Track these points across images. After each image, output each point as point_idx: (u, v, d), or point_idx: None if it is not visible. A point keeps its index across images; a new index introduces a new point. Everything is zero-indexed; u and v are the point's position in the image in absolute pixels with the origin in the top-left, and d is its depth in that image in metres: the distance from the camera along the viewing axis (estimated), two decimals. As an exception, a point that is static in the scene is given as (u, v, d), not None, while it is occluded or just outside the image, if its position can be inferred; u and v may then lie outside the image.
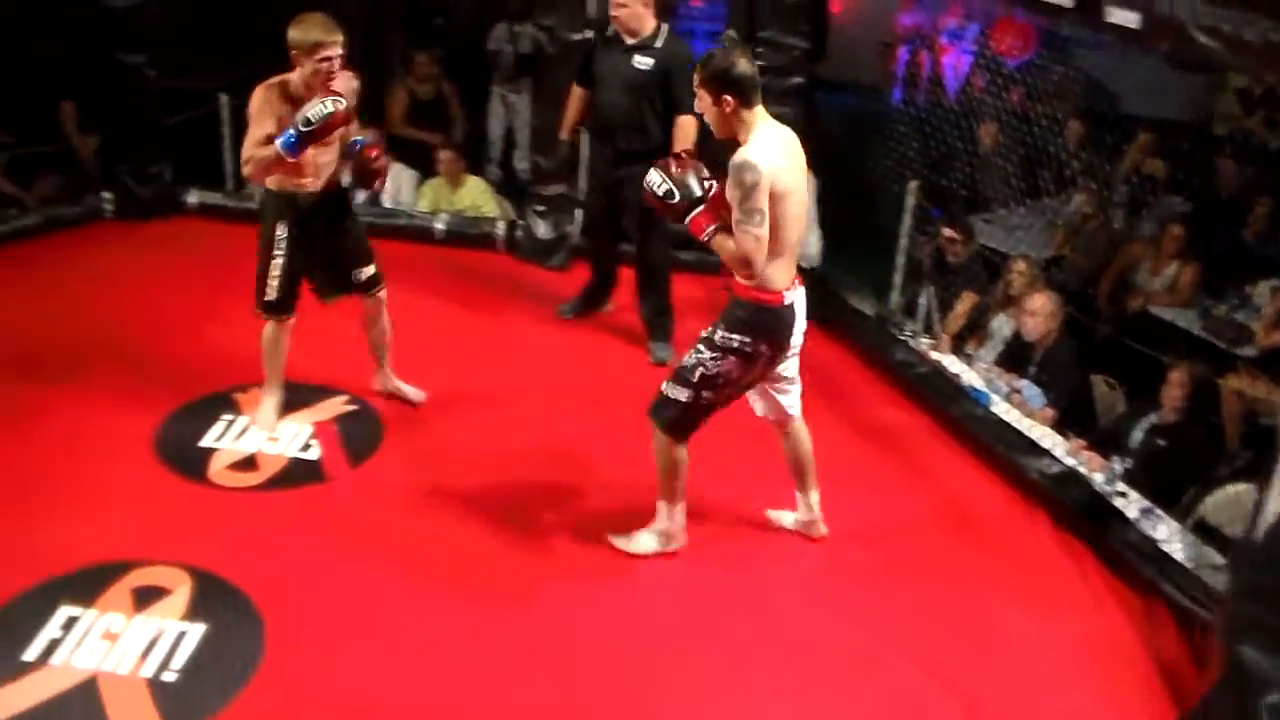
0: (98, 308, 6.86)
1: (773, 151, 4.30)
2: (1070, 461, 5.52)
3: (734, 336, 4.53)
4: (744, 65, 4.32)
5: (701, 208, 4.50)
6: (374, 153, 5.47)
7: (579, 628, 4.57)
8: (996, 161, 7.47)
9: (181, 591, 4.55)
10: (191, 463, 5.45)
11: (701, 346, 4.59)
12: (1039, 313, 6.19)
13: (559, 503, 5.20)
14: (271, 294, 5.47)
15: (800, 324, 4.62)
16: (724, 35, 7.27)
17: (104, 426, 5.69)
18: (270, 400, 5.76)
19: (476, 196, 8.36)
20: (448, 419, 5.88)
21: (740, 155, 4.28)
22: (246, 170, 5.18)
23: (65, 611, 4.41)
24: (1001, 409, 5.96)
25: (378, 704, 4.16)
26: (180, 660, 4.23)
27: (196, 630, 4.36)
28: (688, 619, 4.67)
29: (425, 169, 8.71)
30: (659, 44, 6.29)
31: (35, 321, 6.69)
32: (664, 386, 4.69)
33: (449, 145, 8.59)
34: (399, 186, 8.51)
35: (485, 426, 5.83)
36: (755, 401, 4.91)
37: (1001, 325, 6.57)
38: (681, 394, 4.63)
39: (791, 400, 4.90)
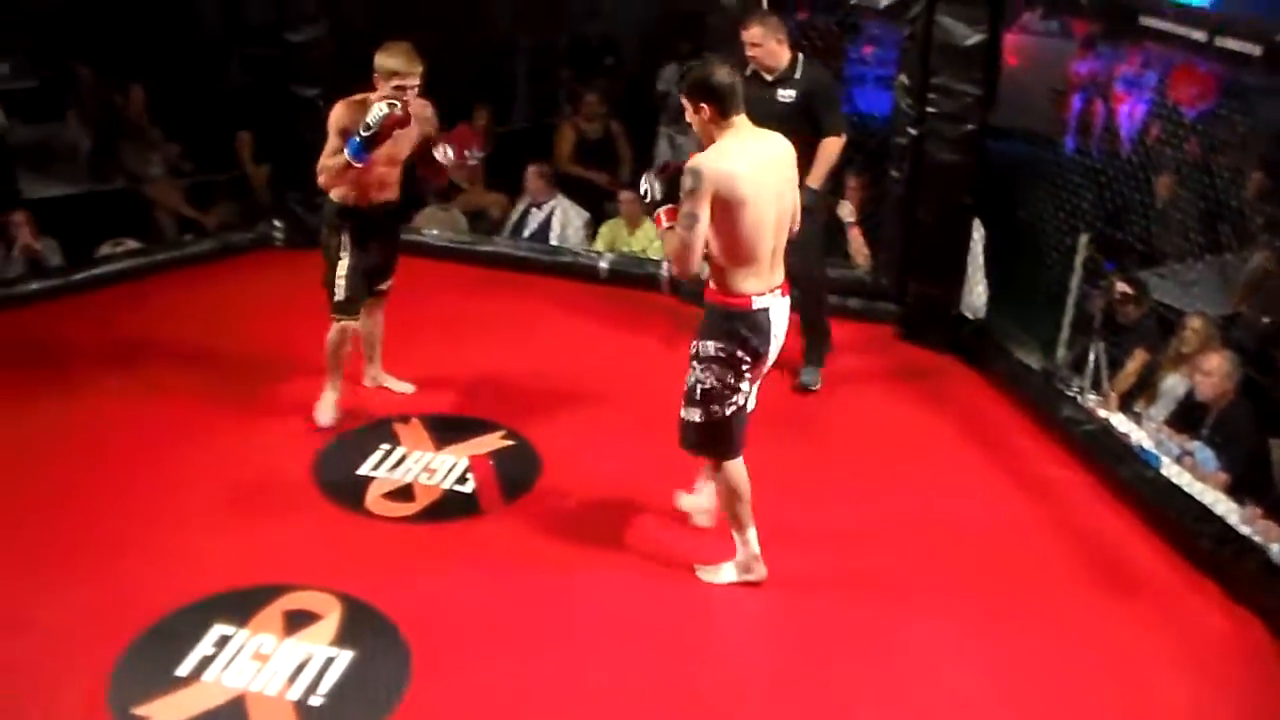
0: (264, 332, 6.99)
1: (728, 158, 4.34)
2: (1245, 529, 5.26)
3: (710, 344, 4.58)
4: (722, 75, 4.40)
5: (663, 208, 4.60)
6: (447, 146, 5.67)
7: (736, 677, 4.50)
8: (1174, 214, 7.25)
9: (332, 617, 4.59)
10: (349, 490, 5.51)
11: (693, 363, 4.65)
12: (1214, 373, 5.96)
13: (715, 548, 5.12)
14: (340, 293, 5.78)
15: (776, 332, 4.62)
16: (897, 82, 7.21)
17: (265, 450, 5.79)
18: (330, 396, 6.03)
19: (652, 239, 8.37)
20: (605, 458, 5.86)
21: (690, 161, 4.37)
22: (321, 179, 5.59)
23: (218, 630, 4.48)
24: (1172, 471, 5.73)
25: (520, 741, 4.14)
26: (327, 685, 4.25)
27: (345, 656, 4.39)
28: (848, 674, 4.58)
29: (594, 208, 8.76)
30: (798, 74, 6.36)
31: (205, 344, 6.87)
32: (681, 412, 4.74)
33: (628, 187, 8.63)
34: (565, 223, 8.56)
35: (642, 467, 5.79)
36: None
37: (1174, 384, 6.33)
38: (695, 414, 4.68)
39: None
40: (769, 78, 6.35)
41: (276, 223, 8.56)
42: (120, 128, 9.41)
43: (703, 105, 4.41)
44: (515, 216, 8.78)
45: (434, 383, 6.37)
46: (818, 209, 6.46)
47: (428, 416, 6.12)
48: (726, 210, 4.33)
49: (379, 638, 4.51)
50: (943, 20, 6.81)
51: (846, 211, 7.65)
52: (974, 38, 6.74)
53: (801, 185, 6.14)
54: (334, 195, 5.72)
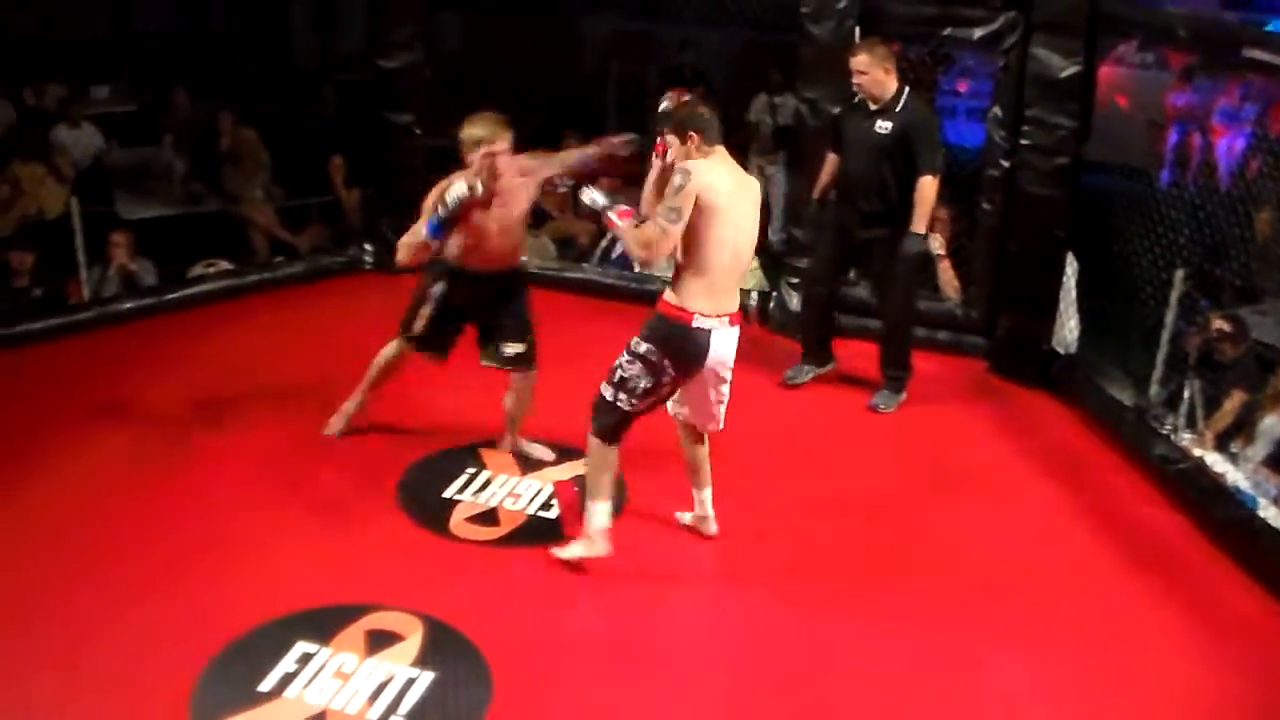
0: (352, 355, 7.00)
1: (712, 171, 4.72)
2: (1345, 574, 5.13)
3: (644, 344, 4.86)
4: (704, 110, 4.83)
5: (616, 209, 4.94)
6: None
7: (819, 708, 4.43)
8: (1275, 250, 7.11)
9: (414, 638, 4.58)
10: (433, 513, 5.52)
11: (625, 351, 4.91)
12: (1315, 415, 5.84)
13: (801, 575, 5.08)
14: (419, 329, 5.79)
15: (716, 356, 4.87)
16: (990, 114, 7.16)
17: (351, 471, 5.82)
18: (349, 406, 6.12)
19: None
20: (690, 485, 5.81)
21: (681, 163, 4.73)
22: (398, 256, 5.54)
23: (301, 647, 4.49)
24: (1270, 513, 5.59)
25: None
26: (407, 705, 4.24)
27: (426, 678, 4.38)
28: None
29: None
30: (899, 108, 6.39)
31: (293, 364, 6.96)
32: (601, 385, 4.97)
33: None
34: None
35: (727, 495, 5.74)
36: (679, 406, 5.19)
37: (1273, 424, 6.18)
38: (608, 392, 4.94)
39: (719, 414, 5.17)
40: (872, 107, 6.41)
41: (367, 246, 8.64)
42: (220, 151, 9.56)
43: (691, 134, 4.75)
44: (605, 243, 8.81)
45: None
46: (912, 249, 6.41)
47: (514, 441, 6.13)
48: (699, 215, 4.66)
49: (461, 660, 4.49)
50: (1037, 52, 6.79)
51: (936, 244, 7.60)
52: (1069, 69, 6.71)
53: (877, 218, 6.18)
54: (446, 256, 5.65)
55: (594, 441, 4.99)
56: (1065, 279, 7.04)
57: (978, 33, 7.04)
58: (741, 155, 9.40)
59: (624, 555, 5.25)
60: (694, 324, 4.78)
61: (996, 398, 7.03)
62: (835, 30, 7.20)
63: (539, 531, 5.43)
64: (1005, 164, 7.05)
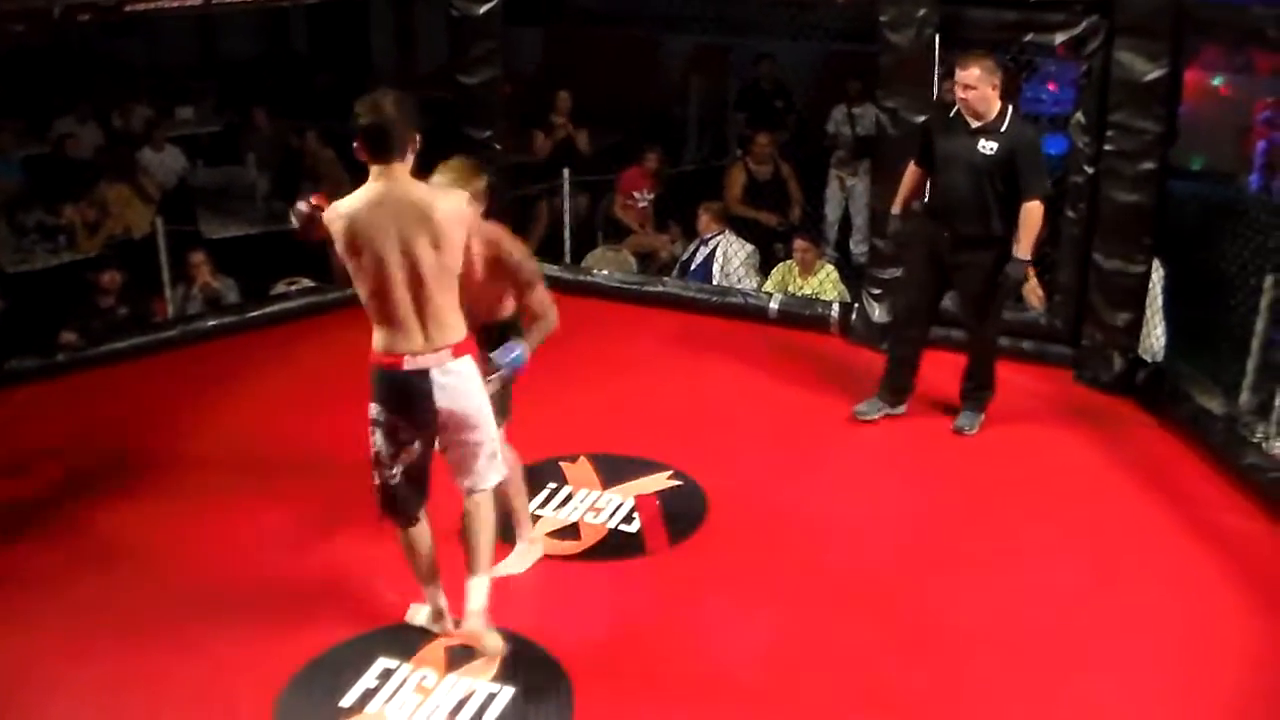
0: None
1: (349, 203, 4.14)
2: None
3: (371, 406, 4.34)
4: (363, 117, 4.10)
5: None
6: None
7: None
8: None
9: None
10: (515, 528, 5.50)
11: None
12: None
13: (889, 589, 5.03)
14: None
15: (428, 396, 4.26)
16: (1073, 120, 7.06)
17: (432, 486, 5.81)
18: None
19: (824, 284, 8.26)
20: (771, 501, 5.78)
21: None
22: None
23: (382, 663, 4.52)
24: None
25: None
26: (488, 721, 4.24)
27: (506, 693, 4.38)
28: None
29: (763, 250, 8.77)
30: (1004, 127, 6.10)
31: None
32: None
33: (805, 237, 8.54)
34: (728, 256, 8.51)
35: (809, 511, 5.71)
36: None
37: (1371, 433, 6.05)
38: (373, 478, 4.49)
39: (460, 468, 4.53)
40: (975, 124, 6.12)
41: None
42: (301, 170, 9.66)
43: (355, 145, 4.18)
44: (684, 257, 8.81)
45: (601, 422, 6.36)
46: (1018, 275, 6.27)
47: (595, 456, 6.12)
48: (347, 258, 4.20)
49: (541, 675, 4.49)
50: (1121, 56, 6.66)
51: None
52: (1154, 73, 6.57)
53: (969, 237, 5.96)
54: None
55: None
56: (1152, 286, 6.92)
57: (1060, 37, 6.92)
58: (821, 166, 9.48)
59: (708, 571, 5.23)
60: (383, 364, 4.28)
61: (1081, 406, 6.91)
62: (915, 38, 7.10)
63: (620, 546, 5.43)
64: (1089, 170, 6.93)
